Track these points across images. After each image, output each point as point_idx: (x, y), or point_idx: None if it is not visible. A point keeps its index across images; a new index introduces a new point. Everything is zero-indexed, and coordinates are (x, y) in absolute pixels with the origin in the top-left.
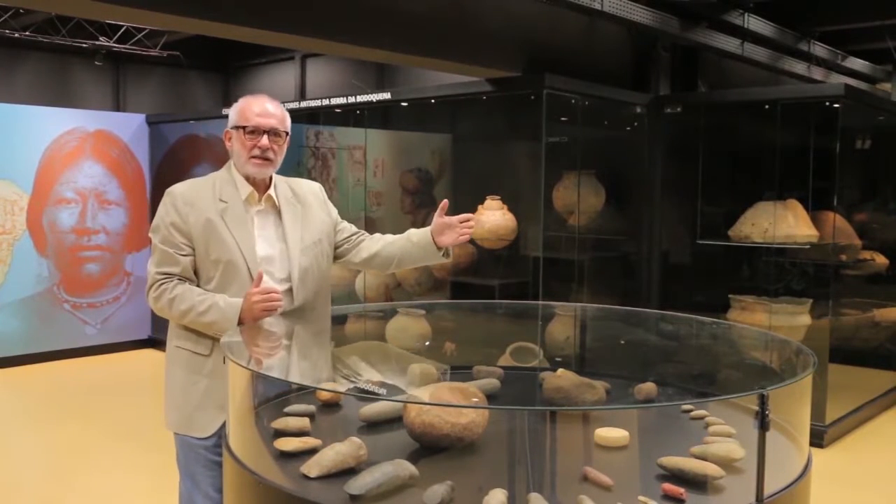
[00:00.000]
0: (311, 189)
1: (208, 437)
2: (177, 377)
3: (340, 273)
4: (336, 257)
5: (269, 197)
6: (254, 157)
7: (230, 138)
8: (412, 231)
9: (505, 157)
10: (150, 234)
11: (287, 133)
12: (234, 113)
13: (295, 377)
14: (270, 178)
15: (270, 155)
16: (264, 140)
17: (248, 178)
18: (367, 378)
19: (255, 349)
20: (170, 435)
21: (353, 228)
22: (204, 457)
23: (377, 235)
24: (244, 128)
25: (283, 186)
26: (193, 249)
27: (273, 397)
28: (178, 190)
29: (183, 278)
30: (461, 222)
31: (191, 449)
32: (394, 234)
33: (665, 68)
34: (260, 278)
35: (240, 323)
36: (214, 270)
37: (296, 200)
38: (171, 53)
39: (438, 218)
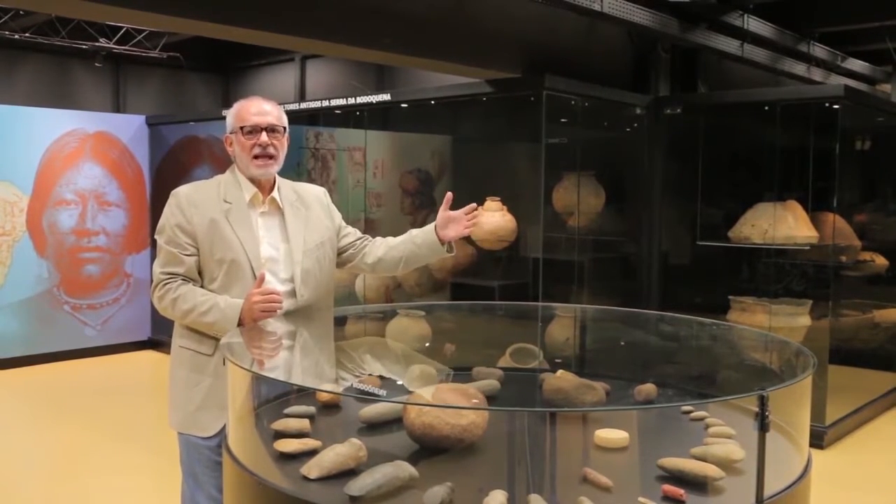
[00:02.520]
0: (315, 193)
1: (211, 436)
2: (180, 377)
3: (340, 275)
4: (342, 263)
5: (273, 199)
6: (256, 156)
7: (230, 143)
8: (414, 232)
9: (505, 158)
10: (156, 236)
11: (285, 129)
12: (230, 118)
13: (295, 378)
14: (274, 181)
15: (272, 151)
16: (263, 137)
17: (252, 180)
18: (368, 375)
19: (255, 350)
20: (170, 436)
21: (358, 234)
22: (207, 457)
23: (379, 239)
24: (242, 128)
25: (287, 189)
26: (198, 250)
27: (273, 398)
28: (182, 191)
29: (187, 278)
30: (466, 214)
31: (194, 449)
32: (394, 235)
33: (665, 69)
34: (262, 279)
35: (240, 324)
36: (218, 270)
37: (300, 203)
38: (171, 55)
39: (443, 211)
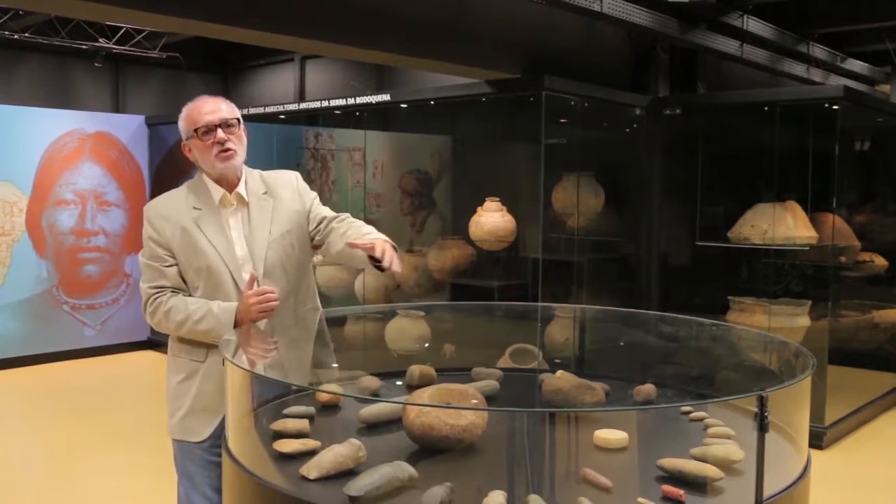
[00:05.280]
0: (285, 179)
1: (203, 440)
2: (172, 386)
3: (339, 274)
4: (314, 247)
5: (239, 195)
6: (217, 153)
7: (189, 150)
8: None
9: (504, 158)
10: (139, 255)
11: (239, 121)
12: (183, 123)
13: (292, 379)
14: (240, 175)
15: (230, 146)
16: (220, 134)
17: (219, 181)
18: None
19: (253, 351)
20: (168, 437)
21: (326, 214)
22: (200, 457)
23: (344, 227)
24: (197, 130)
25: (254, 181)
26: (177, 260)
27: (272, 399)
28: (151, 206)
29: (175, 289)
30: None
31: (187, 449)
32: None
33: (664, 70)
34: (252, 280)
35: (237, 326)
36: (199, 279)
37: (267, 195)
38: (171, 55)
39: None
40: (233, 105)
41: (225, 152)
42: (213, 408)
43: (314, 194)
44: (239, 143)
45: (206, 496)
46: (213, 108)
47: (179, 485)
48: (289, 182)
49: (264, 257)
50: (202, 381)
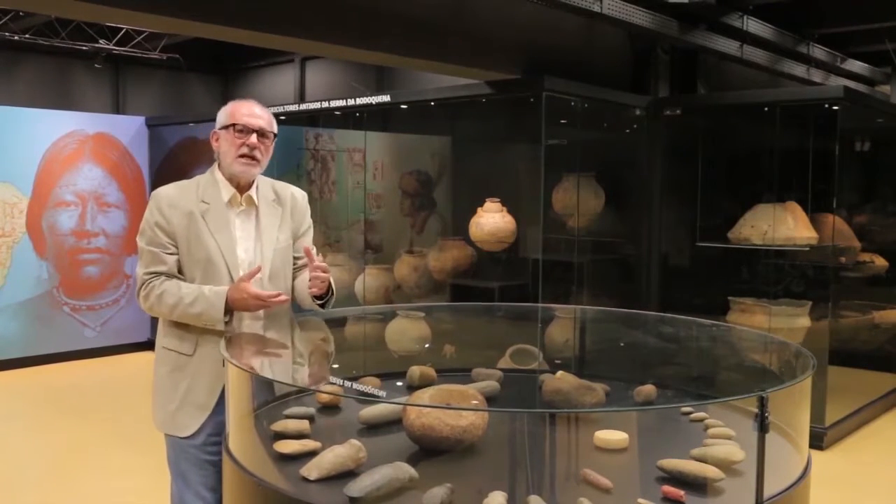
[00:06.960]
0: (293, 194)
1: (191, 435)
2: (161, 377)
3: (340, 275)
4: None
5: (249, 197)
6: (241, 155)
7: (217, 139)
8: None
9: (504, 159)
10: (137, 239)
11: (274, 135)
12: (222, 114)
13: (292, 380)
14: (253, 180)
15: (258, 154)
16: (253, 138)
17: (231, 181)
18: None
19: (254, 352)
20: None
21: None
22: (194, 455)
23: (306, 273)
24: (233, 125)
25: (265, 187)
26: (178, 249)
27: (272, 400)
28: (162, 192)
29: (170, 276)
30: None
31: (180, 448)
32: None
33: (664, 71)
34: (256, 272)
35: (227, 311)
36: (196, 270)
37: (277, 203)
38: (171, 56)
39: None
40: (273, 119)
41: (250, 158)
42: (203, 404)
43: (311, 223)
44: (264, 156)
45: (199, 495)
46: (255, 113)
47: (173, 484)
48: (295, 198)
49: (271, 261)
50: (193, 377)
